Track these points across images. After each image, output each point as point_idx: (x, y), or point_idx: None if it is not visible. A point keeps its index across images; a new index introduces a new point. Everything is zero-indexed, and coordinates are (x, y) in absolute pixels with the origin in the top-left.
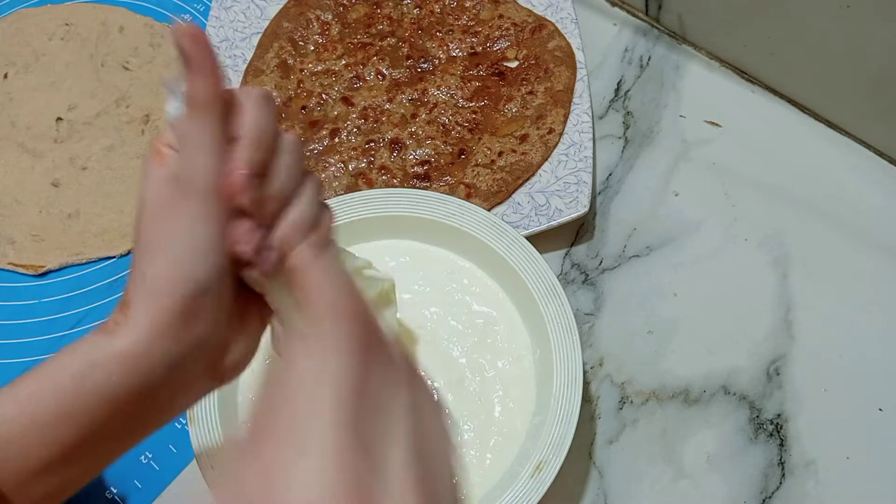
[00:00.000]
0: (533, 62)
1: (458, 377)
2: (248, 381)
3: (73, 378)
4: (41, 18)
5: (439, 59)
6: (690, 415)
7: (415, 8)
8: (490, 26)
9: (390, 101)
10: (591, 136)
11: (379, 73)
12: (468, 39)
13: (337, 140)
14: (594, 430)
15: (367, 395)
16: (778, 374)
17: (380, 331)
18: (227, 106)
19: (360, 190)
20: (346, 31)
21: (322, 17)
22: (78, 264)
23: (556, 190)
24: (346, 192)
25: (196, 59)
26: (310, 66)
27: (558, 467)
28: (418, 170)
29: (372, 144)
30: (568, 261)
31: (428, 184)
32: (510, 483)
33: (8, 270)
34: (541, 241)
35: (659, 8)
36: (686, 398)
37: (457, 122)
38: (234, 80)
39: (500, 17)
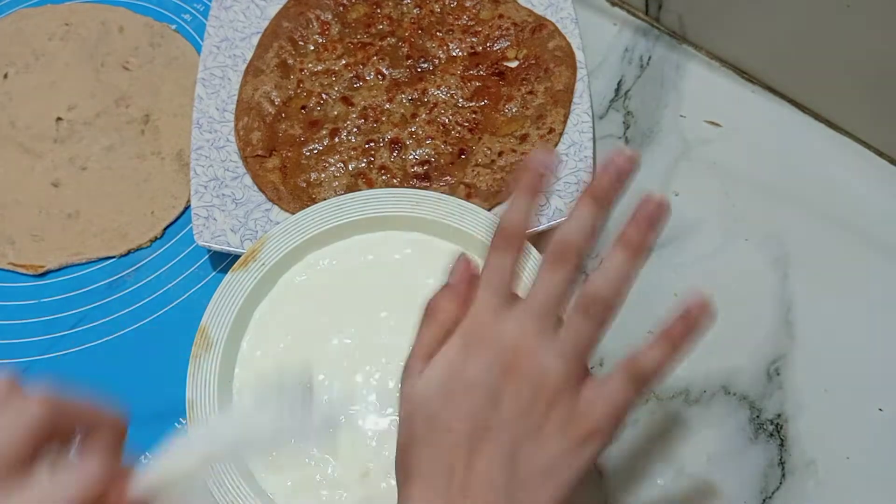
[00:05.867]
0: (533, 62)
1: None
2: (245, 378)
3: None
4: (41, 18)
5: (439, 58)
6: (690, 415)
7: (415, 8)
8: (490, 26)
9: (390, 100)
10: (591, 136)
11: (379, 72)
12: (468, 39)
13: (337, 140)
14: None
15: None
16: (778, 374)
17: None
18: None
19: (360, 190)
20: (346, 30)
21: (322, 17)
22: (78, 264)
23: (556, 190)
24: (346, 192)
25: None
26: (310, 65)
27: None
28: (418, 170)
29: (372, 144)
30: None
31: (428, 184)
32: None
33: (8, 270)
34: (541, 241)
35: (659, 8)
36: (686, 398)
37: (457, 122)
38: (233, 79)
39: (500, 16)
